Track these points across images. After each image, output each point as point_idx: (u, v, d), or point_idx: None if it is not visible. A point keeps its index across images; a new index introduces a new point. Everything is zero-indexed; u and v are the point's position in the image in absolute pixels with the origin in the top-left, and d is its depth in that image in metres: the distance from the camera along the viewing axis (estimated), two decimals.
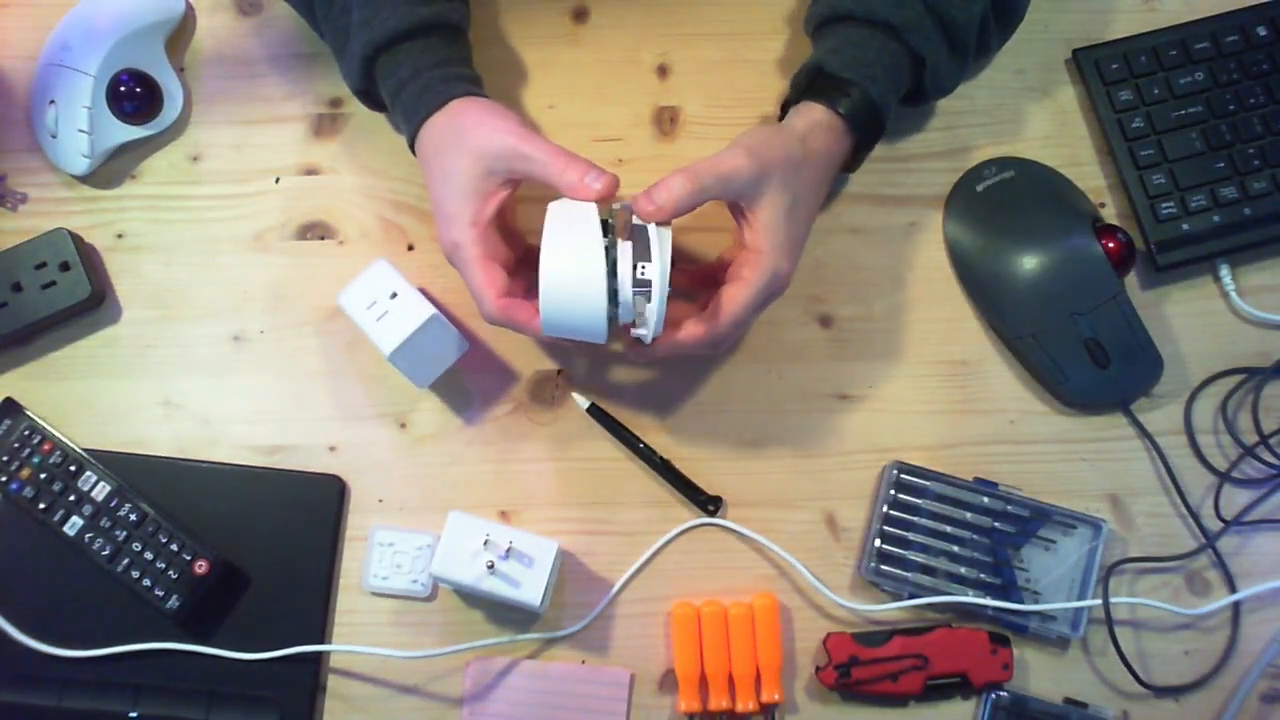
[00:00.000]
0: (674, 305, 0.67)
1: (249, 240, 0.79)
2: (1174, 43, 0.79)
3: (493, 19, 0.81)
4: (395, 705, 0.74)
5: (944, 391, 0.77)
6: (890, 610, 0.74)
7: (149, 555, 0.73)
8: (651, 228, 0.65)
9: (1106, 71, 0.79)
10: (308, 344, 0.77)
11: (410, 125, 0.70)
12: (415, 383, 0.74)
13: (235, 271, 0.78)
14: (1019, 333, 0.77)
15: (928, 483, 0.75)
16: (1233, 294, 0.78)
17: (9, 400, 0.76)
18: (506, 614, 0.74)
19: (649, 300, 0.65)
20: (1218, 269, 0.79)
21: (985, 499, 0.75)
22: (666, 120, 0.80)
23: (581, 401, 0.76)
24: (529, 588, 0.69)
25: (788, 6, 0.82)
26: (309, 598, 0.74)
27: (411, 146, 0.72)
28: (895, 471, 0.75)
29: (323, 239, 0.79)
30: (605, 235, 0.65)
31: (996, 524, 0.75)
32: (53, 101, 0.77)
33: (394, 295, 0.72)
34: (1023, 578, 0.74)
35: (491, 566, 0.68)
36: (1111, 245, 0.76)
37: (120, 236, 0.79)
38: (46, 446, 0.74)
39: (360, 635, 0.74)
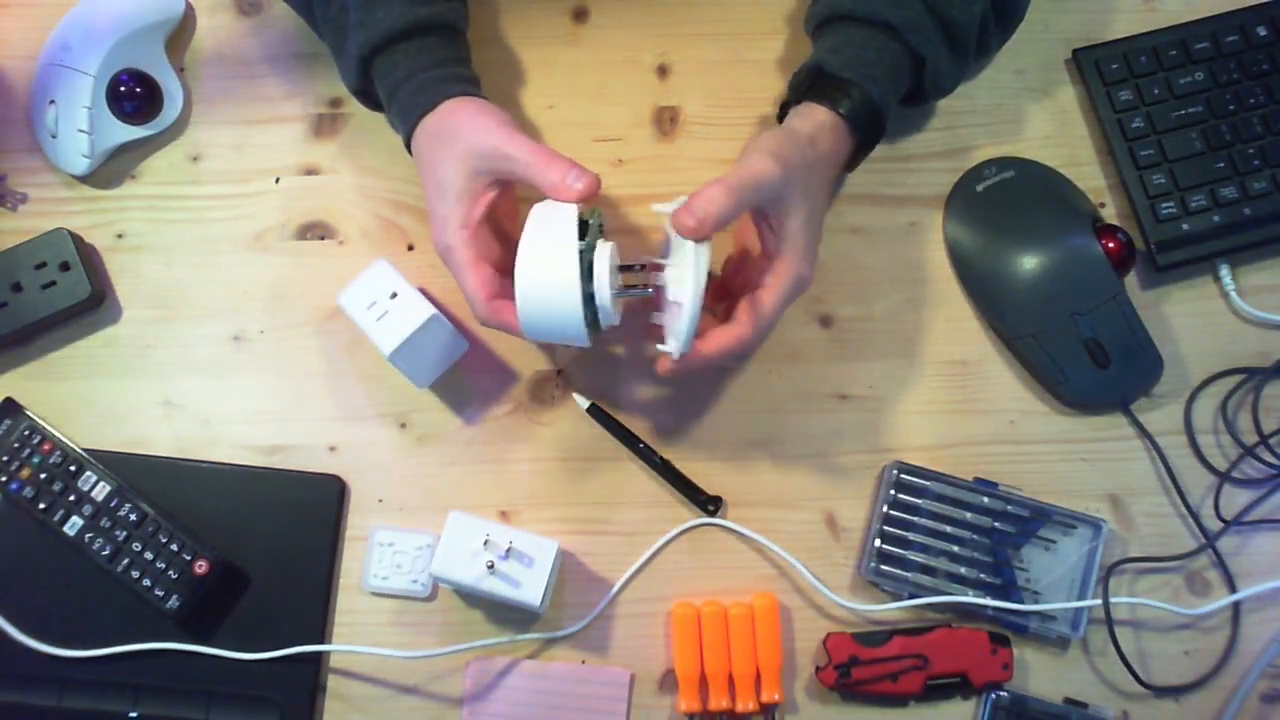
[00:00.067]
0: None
1: (249, 240, 0.79)
2: (1174, 43, 0.79)
3: (492, 19, 0.81)
4: (395, 705, 0.74)
5: (944, 391, 0.77)
6: (890, 610, 0.74)
7: (149, 555, 0.73)
8: (689, 243, 0.63)
9: (1106, 71, 0.79)
10: (308, 344, 0.77)
11: (405, 126, 0.70)
12: (415, 383, 0.74)
13: (235, 271, 0.78)
14: (1019, 333, 0.77)
15: (928, 483, 0.75)
16: (1233, 294, 0.78)
17: (9, 400, 0.76)
18: (506, 614, 0.74)
19: (676, 316, 0.64)
20: (1218, 269, 0.79)
21: (985, 499, 0.75)
22: (666, 120, 0.80)
23: (581, 401, 0.76)
24: (529, 588, 0.69)
25: (788, 6, 0.82)
26: (309, 598, 0.74)
27: (408, 147, 0.72)
28: (895, 471, 0.75)
29: (323, 239, 0.79)
30: (584, 237, 0.65)
31: (996, 524, 0.75)
32: (53, 101, 0.77)
33: (394, 295, 0.72)
34: (1023, 578, 0.74)
35: (491, 566, 0.68)
36: (1111, 245, 0.76)
37: (120, 236, 0.79)
38: (46, 446, 0.74)
39: (360, 635, 0.74)
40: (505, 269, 0.69)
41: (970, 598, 0.73)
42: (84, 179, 0.79)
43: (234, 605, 0.74)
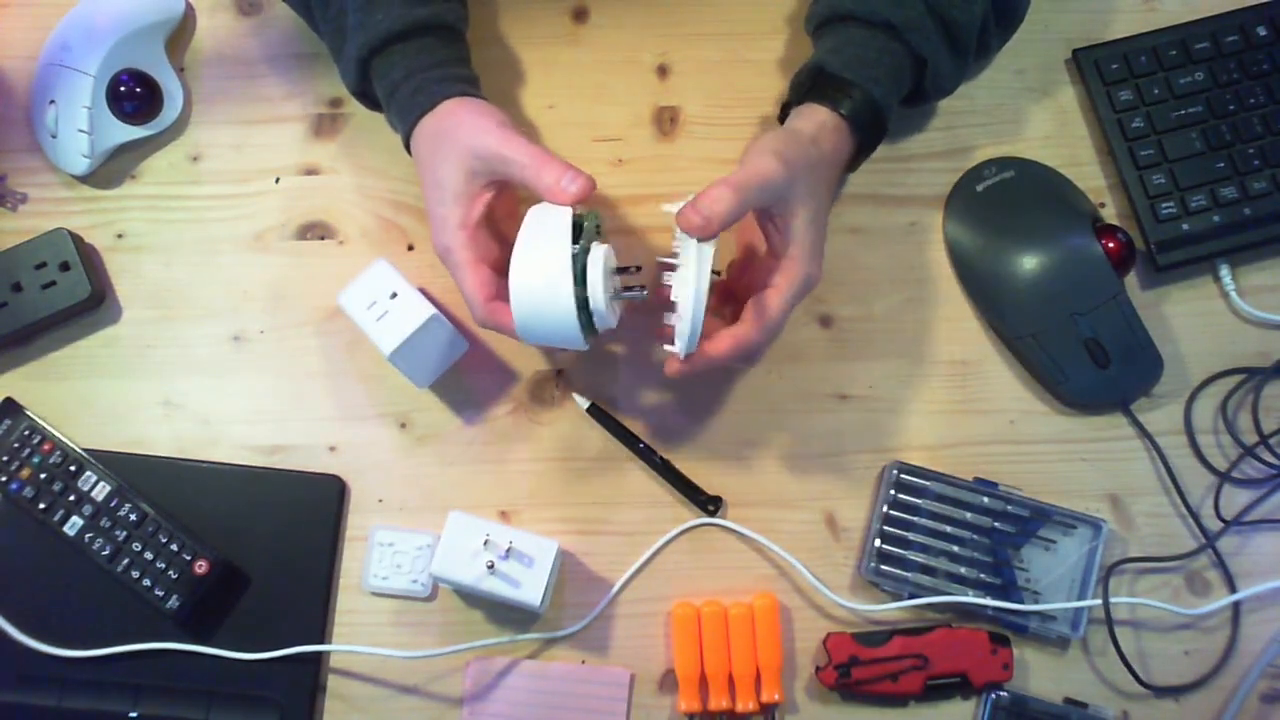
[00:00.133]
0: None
1: (249, 240, 0.79)
2: (1174, 43, 0.79)
3: (492, 19, 0.81)
4: (395, 705, 0.74)
5: (944, 391, 0.77)
6: (890, 610, 0.74)
7: (149, 555, 0.73)
8: (693, 242, 0.63)
9: (1106, 71, 0.79)
10: (308, 344, 0.77)
11: (404, 126, 0.70)
12: (415, 383, 0.74)
13: (235, 271, 0.78)
14: (1019, 333, 0.77)
15: (928, 483, 0.75)
16: (1233, 294, 0.78)
17: (9, 400, 0.76)
18: (506, 614, 0.74)
19: (681, 317, 0.64)
20: (1218, 269, 0.79)
21: (985, 499, 0.75)
22: (666, 120, 0.80)
23: (581, 401, 0.76)
24: (529, 588, 0.69)
25: (788, 6, 0.82)
26: (309, 598, 0.74)
27: (407, 147, 0.72)
28: (895, 471, 0.75)
29: (323, 239, 0.79)
30: (579, 240, 0.64)
31: (996, 524, 0.75)
32: (53, 101, 0.77)
33: (394, 295, 0.72)
34: (1023, 578, 0.74)
35: (491, 566, 0.68)
36: (1111, 245, 0.76)
37: (120, 236, 0.79)
38: (46, 446, 0.74)
39: (360, 635, 0.74)
40: (504, 270, 0.68)
41: (970, 598, 0.73)
42: (84, 179, 0.79)
43: (234, 605, 0.74)
